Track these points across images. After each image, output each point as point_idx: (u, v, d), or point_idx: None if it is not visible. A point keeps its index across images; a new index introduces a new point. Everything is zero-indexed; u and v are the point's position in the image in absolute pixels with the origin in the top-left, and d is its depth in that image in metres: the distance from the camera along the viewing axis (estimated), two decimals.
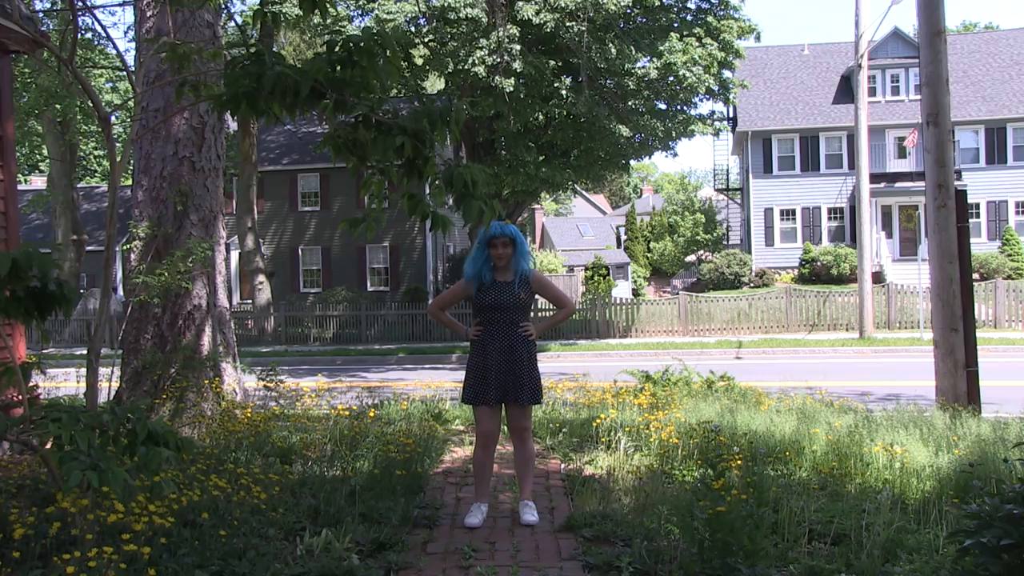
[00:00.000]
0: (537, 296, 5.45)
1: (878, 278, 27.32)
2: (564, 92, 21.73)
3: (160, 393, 7.63)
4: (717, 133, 26.97)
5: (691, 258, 45.54)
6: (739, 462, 5.40)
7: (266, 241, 31.19)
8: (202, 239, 8.29)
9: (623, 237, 51.03)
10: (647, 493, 5.41)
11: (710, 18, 23.59)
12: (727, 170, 41.03)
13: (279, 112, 3.94)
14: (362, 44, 3.75)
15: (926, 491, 5.16)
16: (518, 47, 20.51)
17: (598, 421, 7.28)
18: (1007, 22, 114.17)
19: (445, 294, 5.62)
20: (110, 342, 15.99)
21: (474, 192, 3.84)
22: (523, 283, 5.20)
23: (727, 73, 24.40)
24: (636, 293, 43.13)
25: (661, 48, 21.99)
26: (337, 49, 3.81)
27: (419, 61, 24.36)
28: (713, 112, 26.71)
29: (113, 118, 5.82)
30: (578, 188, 38.55)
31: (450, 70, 21.49)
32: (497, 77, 20.48)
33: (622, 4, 20.75)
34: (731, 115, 35.00)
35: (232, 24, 22.49)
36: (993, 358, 15.68)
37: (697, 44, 22.36)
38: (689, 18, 24.08)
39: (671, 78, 22.29)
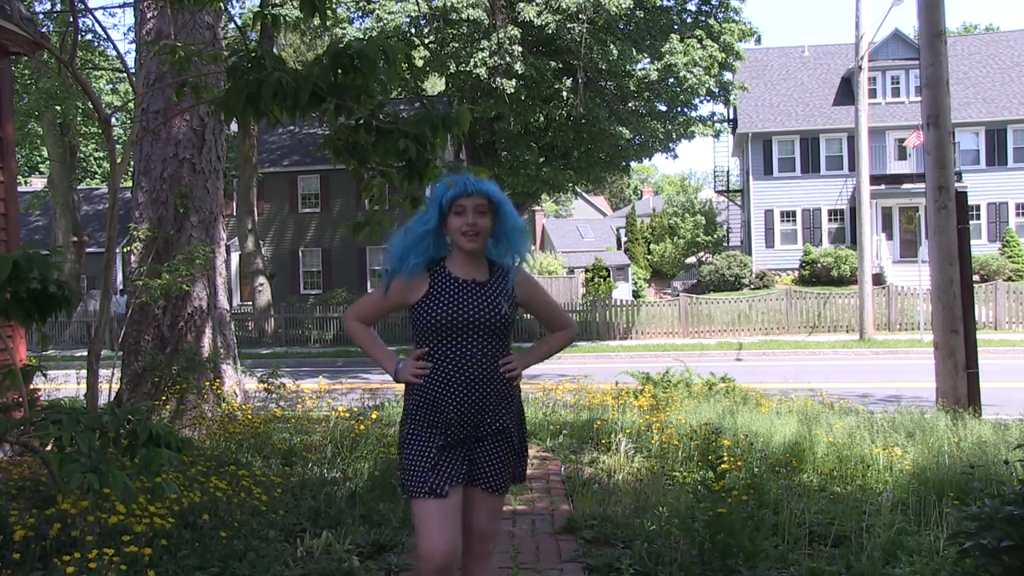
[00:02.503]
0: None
1: (878, 280, 27.31)
2: (565, 94, 21.75)
3: (160, 395, 7.63)
4: (717, 135, 27.02)
5: (691, 260, 45.54)
6: (740, 464, 5.40)
7: (266, 243, 31.19)
8: (202, 241, 8.30)
9: (623, 239, 51.03)
10: (647, 495, 5.41)
11: (711, 20, 23.65)
12: (727, 172, 41.03)
13: (280, 115, 3.95)
14: (365, 52, 3.76)
15: (926, 493, 5.16)
16: (519, 49, 20.53)
17: (599, 423, 7.28)
18: (1007, 24, 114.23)
19: (366, 300, 3.26)
20: (110, 344, 16.01)
21: None
22: (508, 288, 3.04)
23: (727, 75, 24.46)
24: (636, 295, 43.12)
25: (662, 50, 22.04)
26: (339, 57, 3.81)
27: (419, 63, 24.39)
28: (713, 114, 26.79)
29: (113, 120, 5.83)
30: (578, 190, 38.61)
31: (452, 71, 21.52)
32: (498, 79, 20.50)
33: (623, 5, 20.78)
34: (731, 117, 35.01)
35: (232, 26, 22.49)
36: (993, 360, 15.67)
37: (698, 46, 22.40)
38: (689, 20, 24.14)
39: (671, 80, 22.35)
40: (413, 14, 21.76)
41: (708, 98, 24.16)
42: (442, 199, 2.99)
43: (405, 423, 3.02)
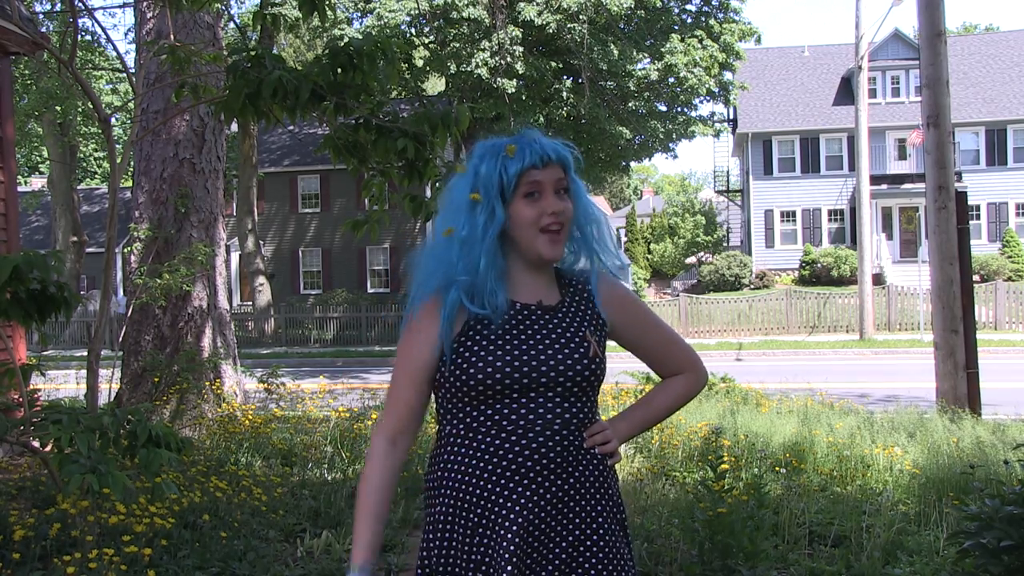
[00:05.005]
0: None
1: (878, 280, 27.31)
2: (565, 94, 21.77)
3: (161, 395, 7.63)
4: (717, 135, 27.08)
5: (691, 260, 45.51)
6: (740, 464, 5.40)
7: (266, 243, 31.19)
8: (202, 241, 8.30)
9: (623, 239, 51.05)
10: (647, 495, 5.41)
11: (711, 20, 23.68)
12: (727, 172, 41.03)
13: (280, 115, 3.95)
14: (364, 49, 3.76)
15: (926, 493, 5.16)
16: (520, 48, 20.55)
17: None
18: (1007, 23, 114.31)
19: (399, 389, 1.82)
20: (110, 344, 16.01)
21: None
22: (593, 309, 1.90)
23: (728, 75, 24.48)
24: (636, 295, 43.11)
25: (662, 50, 22.07)
26: (338, 54, 3.82)
27: (419, 62, 24.42)
28: (713, 114, 26.86)
29: (113, 120, 5.83)
30: None
31: (452, 72, 21.53)
32: (499, 79, 20.53)
33: (624, 5, 20.81)
34: (731, 117, 35.00)
35: (232, 26, 22.49)
36: (993, 360, 15.66)
37: (698, 46, 22.43)
38: (690, 20, 24.18)
39: (672, 80, 22.38)
40: (413, 12, 21.77)
41: (708, 98, 24.21)
42: (503, 174, 1.74)
43: (424, 553, 1.80)
